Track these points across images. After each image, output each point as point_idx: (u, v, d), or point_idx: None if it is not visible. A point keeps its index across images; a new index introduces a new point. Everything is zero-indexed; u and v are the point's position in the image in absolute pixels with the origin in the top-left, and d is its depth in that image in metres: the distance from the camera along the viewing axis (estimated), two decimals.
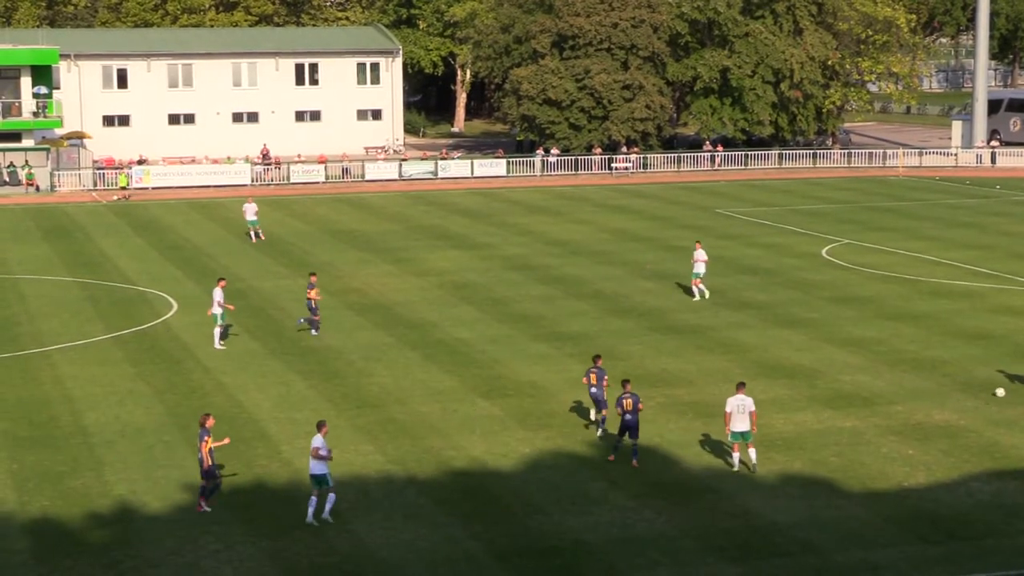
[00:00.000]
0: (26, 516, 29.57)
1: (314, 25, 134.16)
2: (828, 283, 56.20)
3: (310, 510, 29.10)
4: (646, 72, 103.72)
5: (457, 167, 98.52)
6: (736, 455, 32.46)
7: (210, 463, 29.60)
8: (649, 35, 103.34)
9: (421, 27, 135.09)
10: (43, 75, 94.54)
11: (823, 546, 27.88)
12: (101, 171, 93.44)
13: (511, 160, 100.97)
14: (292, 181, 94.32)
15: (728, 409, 32.27)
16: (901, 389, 39.71)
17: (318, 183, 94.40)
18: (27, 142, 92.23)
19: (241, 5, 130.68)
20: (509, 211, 79.89)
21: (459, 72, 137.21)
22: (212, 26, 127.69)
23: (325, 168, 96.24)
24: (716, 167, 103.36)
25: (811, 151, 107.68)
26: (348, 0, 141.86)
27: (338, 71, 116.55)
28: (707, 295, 52.57)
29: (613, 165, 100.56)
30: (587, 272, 58.96)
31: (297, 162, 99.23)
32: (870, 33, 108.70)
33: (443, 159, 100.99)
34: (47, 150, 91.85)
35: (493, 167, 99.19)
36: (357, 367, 42.32)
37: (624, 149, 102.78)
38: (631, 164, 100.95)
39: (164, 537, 28.33)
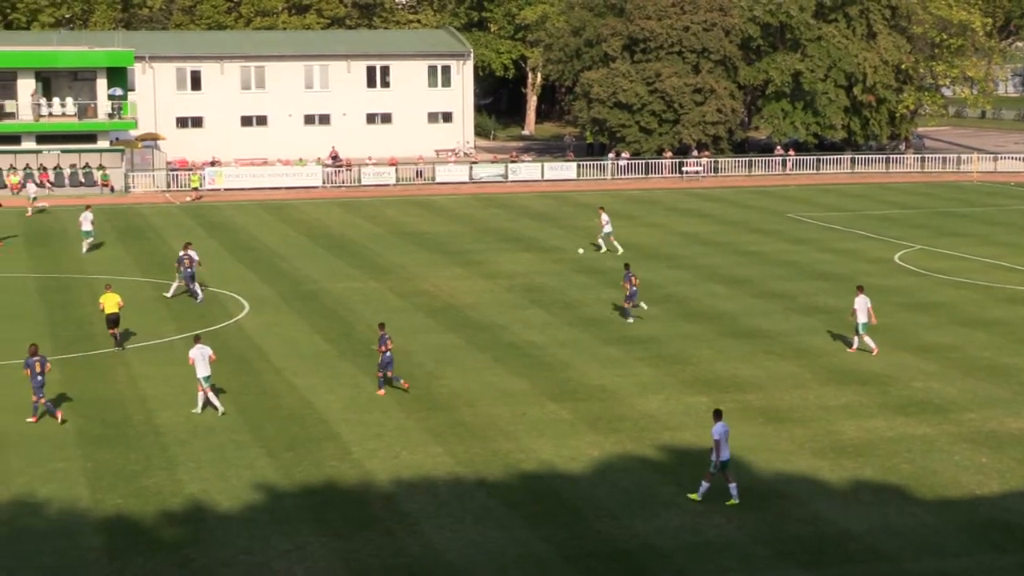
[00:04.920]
0: (100, 514, 29.87)
1: (386, 28, 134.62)
2: (900, 289, 55.75)
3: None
4: (717, 76, 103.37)
5: (527, 170, 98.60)
6: (706, 484, 30.86)
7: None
8: (721, 38, 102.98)
9: (492, 30, 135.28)
10: (118, 77, 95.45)
11: (895, 554, 27.66)
12: (174, 172, 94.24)
13: (581, 163, 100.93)
14: (363, 183, 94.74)
15: (716, 437, 30.53)
16: (975, 396, 39.32)
17: (389, 185, 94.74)
18: (102, 143, 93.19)
19: (314, 8, 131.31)
20: (579, 214, 79.82)
21: (530, 75, 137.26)
22: (285, 28, 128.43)
23: (396, 170, 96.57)
24: (788, 171, 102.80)
25: (884, 156, 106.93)
26: (420, 3, 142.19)
27: (409, 74, 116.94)
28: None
29: (684, 169, 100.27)
30: (657, 276, 58.79)
31: (368, 164, 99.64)
32: (945, 37, 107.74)
33: (513, 162, 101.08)
34: (122, 151, 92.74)
35: (563, 170, 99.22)
36: (427, 369, 42.42)
37: (695, 153, 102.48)
38: (702, 168, 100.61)
39: (235, 537, 28.52)
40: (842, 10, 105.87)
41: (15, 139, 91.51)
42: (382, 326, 40.67)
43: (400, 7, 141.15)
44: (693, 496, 30.82)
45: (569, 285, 56.71)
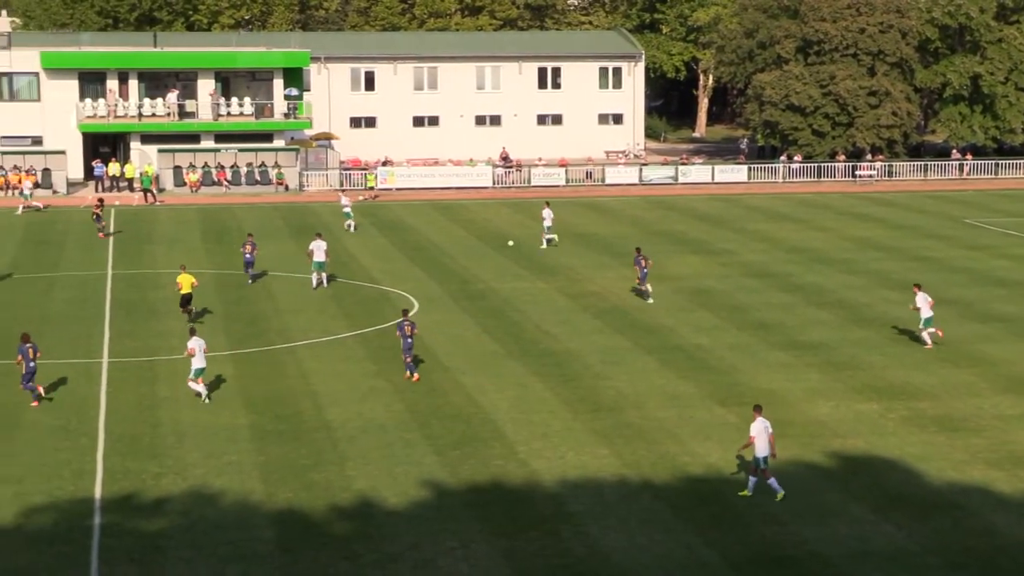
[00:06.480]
0: (272, 507, 30.42)
1: (557, 29, 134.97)
2: None
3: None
4: (893, 78, 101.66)
5: (698, 172, 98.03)
6: (753, 479, 31.13)
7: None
8: (897, 40, 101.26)
9: (664, 32, 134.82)
10: (294, 77, 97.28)
11: None
12: (348, 172, 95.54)
13: (752, 166, 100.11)
14: (533, 184, 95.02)
15: (753, 434, 30.79)
16: None
17: (558, 186, 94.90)
18: (278, 142, 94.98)
19: (486, 9, 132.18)
20: (749, 217, 79.17)
21: (701, 77, 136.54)
22: (457, 30, 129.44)
23: (566, 171, 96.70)
24: (965, 176, 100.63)
25: None
26: (592, 4, 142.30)
27: (580, 75, 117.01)
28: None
29: (857, 172, 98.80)
30: (828, 280, 58.07)
31: (538, 165, 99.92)
32: None
33: (684, 164, 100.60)
34: (297, 150, 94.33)
35: (734, 173, 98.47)
36: (594, 370, 42.42)
37: (869, 156, 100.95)
38: (875, 172, 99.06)
39: (403, 533, 28.81)
40: None
41: (195, 138, 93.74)
42: (405, 312, 42.86)
43: (572, 8, 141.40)
44: (744, 493, 30.89)
45: (737, 288, 56.29)
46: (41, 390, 38.72)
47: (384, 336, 47.22)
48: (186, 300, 49.40)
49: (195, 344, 38.99)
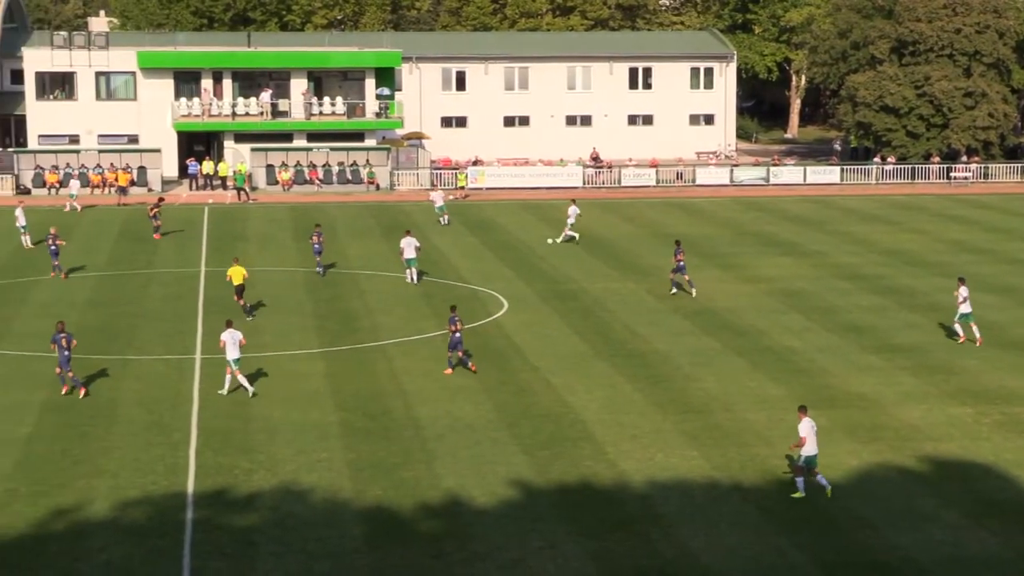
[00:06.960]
0: (361, 504, 30.57)
1: (649, 30, 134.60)
2: None
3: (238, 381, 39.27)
4: (990, 79, 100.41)
5: (790, 173, 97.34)
6: (800, 480, 31.06)
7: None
8: (994, 41, 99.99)
9: (756, 32, 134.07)
10: (386, 77, 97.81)
11: None
12: (438, 171, 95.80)
13: (845, 167, 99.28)
14: (623, 184, 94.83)
15: (804, 433, 30.88)
16: None
17: (649, 187, 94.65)
18: (369, 142, 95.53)
19: (577, 9, 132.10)
20: (842, 219, 78.50)
21: (794, 78, 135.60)
22: (548, 30, 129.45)
23: (656, 172, 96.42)
24: None
25: None
26: (683, 5, 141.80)
27: (671, 75, 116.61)
28: None
29: (952, 174, 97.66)
30: (922, 283, 57.46)
31: (628, 166, 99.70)
32: None
33: (776, 165, 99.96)
34: (388, 150, 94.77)
35: (826, 174, 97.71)
36: (684, 372, 42.25)
37: (964, 158, 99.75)
38: (971, 174, 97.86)
39: (491, 532, 28.84)
40: None
41: (287, 137, 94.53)
42: (453, 308, 43.21)
43: (664, 9, 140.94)
44: (797, 494, 30.75)
45: (828, 290, 55.83)
46: (83, 391, 39.04)
47: (473, 335, 47.24)
48: (239, 292, 50.33)
49: (225, 336, 39.41)
